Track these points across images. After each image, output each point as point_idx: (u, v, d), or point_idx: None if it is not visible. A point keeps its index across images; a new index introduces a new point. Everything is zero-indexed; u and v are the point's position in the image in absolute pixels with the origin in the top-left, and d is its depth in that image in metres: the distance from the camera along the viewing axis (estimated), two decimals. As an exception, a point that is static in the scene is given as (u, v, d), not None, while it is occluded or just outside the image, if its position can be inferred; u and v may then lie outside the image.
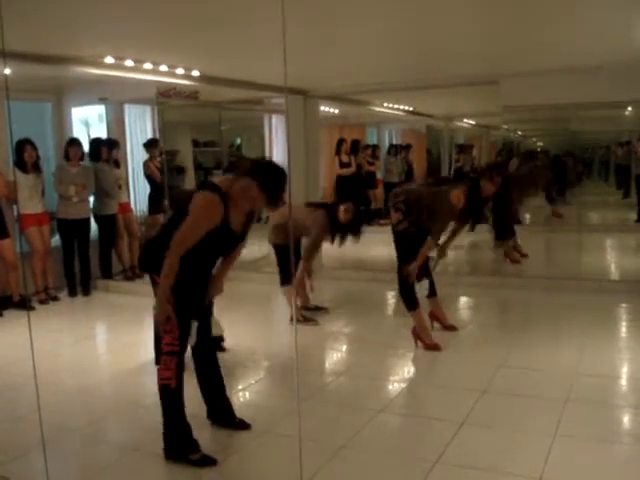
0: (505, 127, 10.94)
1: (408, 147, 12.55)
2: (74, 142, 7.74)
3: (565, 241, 10.31)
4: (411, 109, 10.77)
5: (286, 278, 6.25)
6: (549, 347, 5.30)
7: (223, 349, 5.37)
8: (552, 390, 4.33)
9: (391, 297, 7.40)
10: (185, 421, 3.58)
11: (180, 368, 3.54)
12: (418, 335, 5.43)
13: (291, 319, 6.29)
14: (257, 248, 8.15)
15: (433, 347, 5.35)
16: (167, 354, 3.52)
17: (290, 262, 6.24)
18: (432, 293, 5.79)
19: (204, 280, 3.73)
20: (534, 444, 3.56)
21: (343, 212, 6.10)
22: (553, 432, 3.66)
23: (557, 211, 11.54)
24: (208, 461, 3.52)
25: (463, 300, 7.46)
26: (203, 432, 3.85)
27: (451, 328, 5.81)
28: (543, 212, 11.67)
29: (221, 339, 5.33)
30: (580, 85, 6.98)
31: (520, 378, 4.66)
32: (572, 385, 4.38)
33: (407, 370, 5.16)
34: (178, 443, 3.57)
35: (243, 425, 3.94)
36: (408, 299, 5.47)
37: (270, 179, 3.49)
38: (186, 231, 3.38)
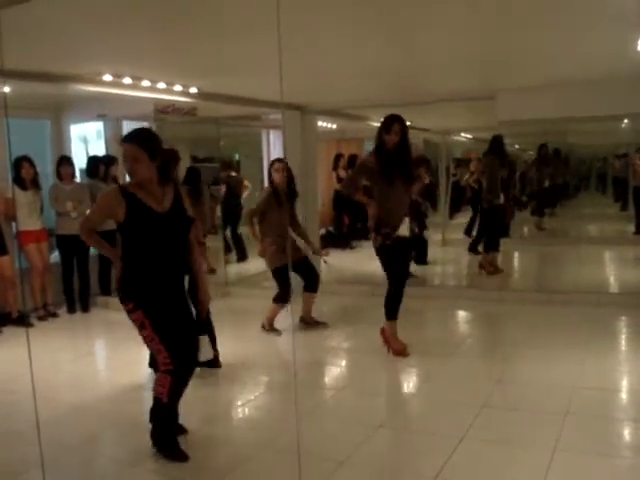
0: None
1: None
2: (64, 161, 7.75)
3: (563, 254, 10.36)
4: (408, 123, 10.79)
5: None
6: (548, 361, 5.29)
7: (219, 365, 5.37)
8: (552, 404, 4.32)
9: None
10: (169, 428, 3.82)
11: (175, 386, 3.71)
12: (387, 340, 5.59)
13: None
14: (259, 264, 8.13)
15: (400, 353, 5.52)
16: (162, 372, 3.72)
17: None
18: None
19: (167, 278, 3.74)
20: (534, 458, 3.54)
21: (274, 172, 6.36)
22: (553, 446, 3.65)
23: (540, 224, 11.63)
24: (179, 457, 3.73)
25: (461, 314, 7.46)
26: (201, 448, 3.85)
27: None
28: (544, 225, 11.74)
29: (213, 362, 5.18)
30: (576, 99, 7.02)
31: (519, 392, 4.65)
32: (572, 398, 4.38)
33: (407, 385, 5.15)
34: (159, 442, 3.80)
35: (181, 430, 3.97)
36: (390, 308, 5.54)
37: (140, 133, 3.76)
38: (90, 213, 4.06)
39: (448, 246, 11.28)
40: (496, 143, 8.63)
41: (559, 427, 3.91)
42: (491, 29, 4.77)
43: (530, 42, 5.21)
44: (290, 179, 6.50)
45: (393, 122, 5.34)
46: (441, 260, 10.92)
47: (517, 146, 12.85)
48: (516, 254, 11.05)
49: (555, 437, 3.77)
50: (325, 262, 6.60)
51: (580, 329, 6.16)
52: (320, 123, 9.57)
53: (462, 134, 12.91)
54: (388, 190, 5.37)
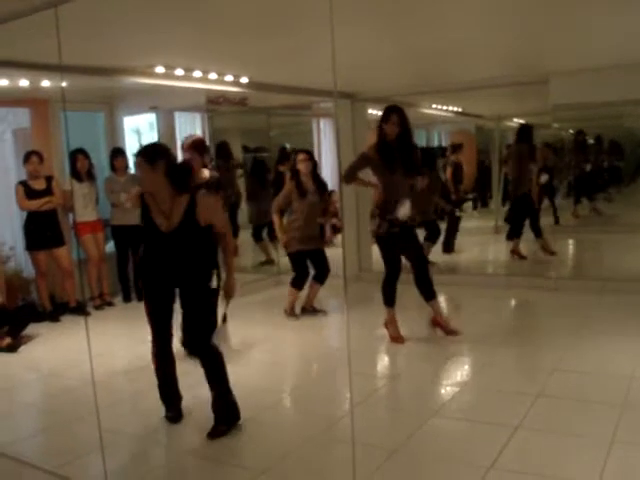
0: (556, 126, 10.75)
1: (459, 147, 12.32)
2: (118, 153, 7.89)
3: (618, 242, 10.10)
4: (460, 110, 10.68)
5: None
6: (604, 350, 5.19)
7: None
8: (609, 394, 4.23)
9: (441, 300, 7.38)
10: (161, 389, 4.26)
11: (158, 360, 4.23)
12: (438, 323, 5.75)
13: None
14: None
15: (395, 340, 5.68)
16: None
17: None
18: (429, 296, 5.72)
19: (157, 276, 4.03)
20: (591, 450, 3.48)
21: (298, 163, 6.53)
22: (610, 438, 3.58)
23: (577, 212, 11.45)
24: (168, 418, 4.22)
25: (512, 302, 7.37)
26: (253, 435, 3.90)
27: (453, 333, 5.70)
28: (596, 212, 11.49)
29: None
30: (633, 81, 6.82)
31: (575, 382, 4.57)
32: (629, 389, 4.28)
33: (459, 374, 5.11)
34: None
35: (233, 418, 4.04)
36: (386, 294, 5.70)
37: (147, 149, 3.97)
38: None
39: (501, 233, 11.13)
40: (523, 132, 8.62)
41: (616, 418, 3.84)
42: (543, 8, 4.66)
43: (584, 22, 5.08)
44: (314, 171, 6.65)
45: (391, 112, 5.40)
46: (493, 247, 10.81)
47: (571, 131, 12.55)
48: (569, 241, 10.84)
49: (612, 429, 3.69)
50: (331, 242, 6.98)
51: (636, 318, 6.01)
52: (370, 111, 9.51)
53: (515, 119, 12.69)
54: (389, 180, 5.45)
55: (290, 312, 6.69)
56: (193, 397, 4.39)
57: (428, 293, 5.71)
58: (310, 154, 6.74)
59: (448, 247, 9.77)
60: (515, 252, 8.94)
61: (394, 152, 5.42)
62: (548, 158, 10.06)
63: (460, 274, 8.75)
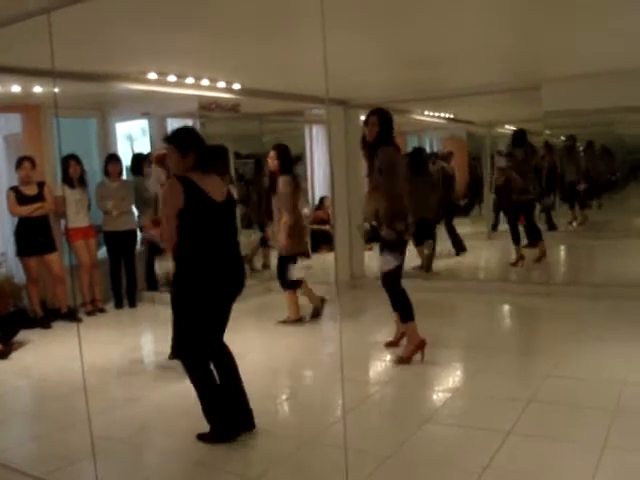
0: (548, 132, 10.80)
1: (449, 156, 12.38)
2: (112, 158, 7.90)
3: (611, 248, 10.14)
4: (451, 116, 10.71)
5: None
6: (597, 356, 5.20)
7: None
8: (601, 400, 4.24)
9: (434, 306, 7.38)
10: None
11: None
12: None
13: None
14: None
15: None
16: None
17: None
18: (400, 317, 5.43)
19: None
20: (583, 455, 3.49)
21: (270, 159, 6.45)
22: (602, 443, 3.59)
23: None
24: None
25: (506, 308, 7.38)
26: (246, 442, 3.89)
27: (402, 361, 5.33)
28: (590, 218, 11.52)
29: None
30: (625, 88, 6.86)
31: (567, 387, 4.58)
32: (621, 395, 4.29)
33: (452, 380, 5.11)
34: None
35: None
36: (404, 309, 5.31)
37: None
38: None
39: (494, 239, 11.17)
40: (517, 137, 8.64)
41: (608, 423, 3.84)
42: (536, 19, 4.69)
43: (576, 30, 5.11)
44: (275, 170, 6.46)
45: (370, 115, 5.33)
46: (485, 253, 10.83)
47: (562, 137, 12.62)
48: (561, 247, 10.87)
49: (604, 434, 3.70)
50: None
51: (629, 323, 6.03)
52: (362, 118, 9.53)
53: (506, 126, 12.75)
54: (370, 182, 5.41)
55: (286, 319, 6.63)
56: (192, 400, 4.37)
57: (400, 314, 5.39)
58: (280, 150, 6.46)
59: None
60: (517, 260, 8.85)
61: (369, 153, 5.36)
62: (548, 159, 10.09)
63: (453, 280, 8.75)
